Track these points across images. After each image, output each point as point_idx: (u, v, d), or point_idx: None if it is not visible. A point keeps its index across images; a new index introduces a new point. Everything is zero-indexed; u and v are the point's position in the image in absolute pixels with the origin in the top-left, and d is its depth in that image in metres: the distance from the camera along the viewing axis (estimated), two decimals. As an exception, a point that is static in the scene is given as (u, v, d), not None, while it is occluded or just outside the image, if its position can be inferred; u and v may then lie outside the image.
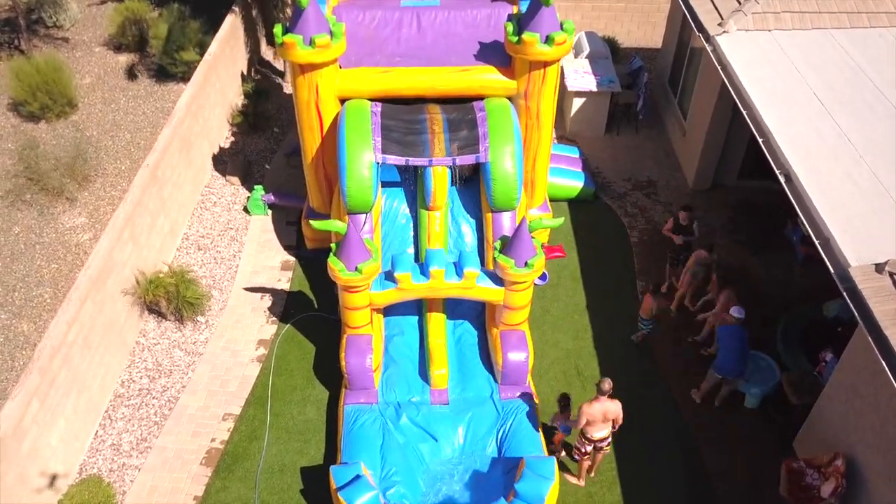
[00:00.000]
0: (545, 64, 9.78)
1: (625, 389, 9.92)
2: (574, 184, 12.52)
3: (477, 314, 9.96)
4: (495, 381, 9.38)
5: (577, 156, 13.01)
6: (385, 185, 10.25)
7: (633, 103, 14.17)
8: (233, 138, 14.20)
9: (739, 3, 11.16)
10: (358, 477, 7.87)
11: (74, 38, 16.96)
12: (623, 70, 14.79)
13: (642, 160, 13.73)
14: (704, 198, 12.85)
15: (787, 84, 9.87)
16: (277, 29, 9.56)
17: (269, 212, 12.54)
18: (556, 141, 14.09)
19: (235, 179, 13.20)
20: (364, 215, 9.65)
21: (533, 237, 8.61)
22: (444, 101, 10.20)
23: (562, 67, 14.23)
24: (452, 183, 10.15)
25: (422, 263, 8.86)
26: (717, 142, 12.39)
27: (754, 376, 9.62)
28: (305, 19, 9.27)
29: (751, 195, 12.53)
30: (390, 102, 10.11)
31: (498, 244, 8.76)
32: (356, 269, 8.38)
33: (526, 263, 8.49)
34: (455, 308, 9.93)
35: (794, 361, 9.68)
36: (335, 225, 8.41)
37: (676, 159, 13.68)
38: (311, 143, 10.47)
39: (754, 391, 9.49)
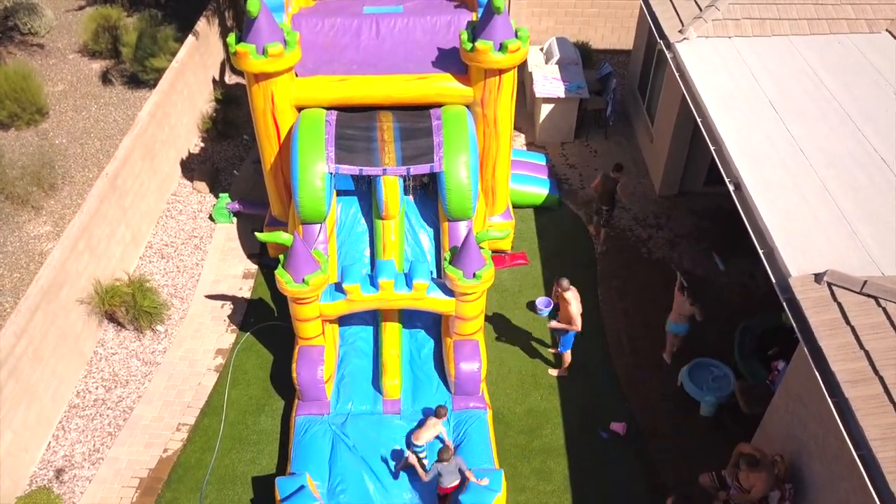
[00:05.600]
0: (500, 71, 9.76)
1: (582, 397, 9.94)
2: (539, 191, 12.49)
3: (433, 324, 9.94)
4: (448, 391, 9.35)
5: (543, 163, 12.99)
6: (342, 193, 10.23)
7: (602, 109, 14.15)
8: (202, 145, 14.19)
9: (700, 10, 11.14)
10: (302, 488, 7.85)
11: (49, 45, 16.96)
12: (593, 76, 14.77)
13: (611, 167, 13.65)
14: (671, 204, 12.83)
15: (743, 92, 9.85)
16: (230, 38, 9.55)
17: (235, 220, 12.53)
18: (524, 147, 14.08)
19: (203, 187, 13.19)
20: (318, 225, 9.64)
21: (482, 247, 8.60)
22: (402, 108, 10.19)
23: (531, 74, 14.23)
24: (406, 192, 10.12)
25: (371, 274, 8.85)
26: (681, 148, 12.36)
27: (710, 384, 9.61)
28: (258, 28, 9.25)
29: (716, 201, 12.51)
30: (347, 110, 10.10)
31: (448, 255, 8.74)
32: (303, 280, 8.36)
33: (474, 275, 8.47)
34: (411, 318, 9.90)
35: (749, 370, 9.65)
36: (281, 237, 8.39)
37: (645, 165, 13.66)
38: (269, 151, 10.46)
39: (709, 399, 9.46)
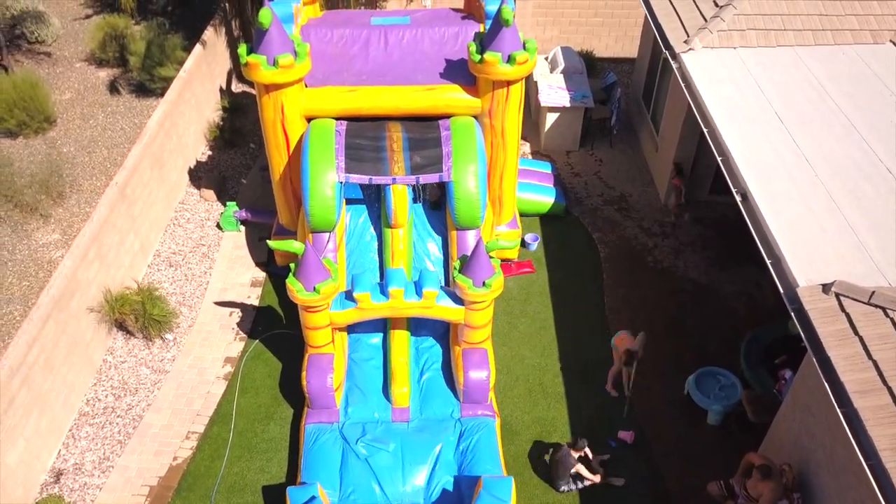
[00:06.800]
0: (508, 83, 9.84)
1: (588, 406, 9.99)
2: (545, 199, 12.56)
3: (442, 332, 9.99)
4: (457, 399, 9.40)
5: (549, 171, 13.07)
6: (351, 202, 10.30)
7: (607, 118, 14.24)
8: (209, 153, 14.26)
9: (706, 21, 11.23)
10: (313, 498, 7.89)
11: (56, 54, 17.04)
12: (597, 85, 14.86)
13: (616, 175, 13.79)
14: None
15: (749, 102, 9.93)
16: (242, 49, 9.63)
17: (242, 228, 12.60)
18: (529, 156, 14.17)
19: (210, 195, 13.26)
20: (328, 234, 9.71)
21: (492, 256, 8.66)
22: (411, 118, 10.27)
23: (536, 83, 14.32)
24: (416, 200, 10.20)
25: (381, 283, 8.91)
26: (687, 157, 12.44)
27: (717, 393, 9.66)
28: (269, 39, 9.33)
29: (721, 210, 12.58)
30: (356, 120, 10.17)
31: (457, 264, 8.80)
32: (314, 289, 8.42)
33: (484, 283, 8.53)
34: (420, 326, 9.96)
35: (756, 379, 9.70)
36: (292, 246, 8.46)
37: (650, 174, 13.74)
38: (278, 161, 10.53)
39: (716, 408, 9.51)
